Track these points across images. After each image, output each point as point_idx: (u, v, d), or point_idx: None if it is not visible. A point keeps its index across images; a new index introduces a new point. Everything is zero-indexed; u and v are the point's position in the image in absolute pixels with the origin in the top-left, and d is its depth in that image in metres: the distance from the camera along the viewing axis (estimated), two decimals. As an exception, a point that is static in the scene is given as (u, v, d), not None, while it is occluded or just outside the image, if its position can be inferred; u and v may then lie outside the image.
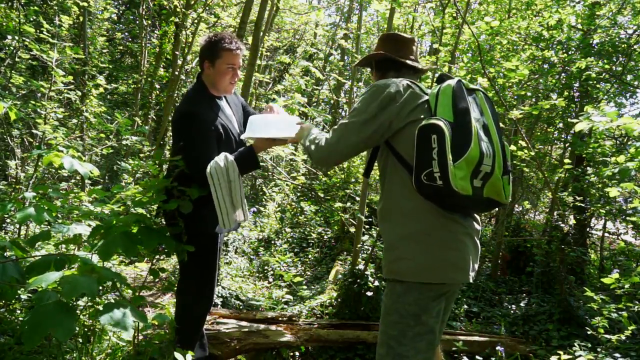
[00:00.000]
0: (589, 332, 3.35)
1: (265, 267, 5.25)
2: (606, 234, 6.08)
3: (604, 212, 4.88)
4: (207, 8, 7.02)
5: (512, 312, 4.40)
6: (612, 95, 5.75)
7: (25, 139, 6.80)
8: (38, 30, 5.23)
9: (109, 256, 1.87)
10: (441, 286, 1.71)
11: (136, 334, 2.40)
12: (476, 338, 3.47)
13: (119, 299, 1.79)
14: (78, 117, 6.41)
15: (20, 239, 3.27)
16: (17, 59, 5.78)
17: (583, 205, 4.75)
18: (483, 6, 6.28)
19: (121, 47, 11.56)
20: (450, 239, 1.69)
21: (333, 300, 3.69)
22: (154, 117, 9.20)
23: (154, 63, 8.83)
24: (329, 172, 6.65)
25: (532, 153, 4.09)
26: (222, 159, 2.12)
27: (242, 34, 4.38)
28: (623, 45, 5.11)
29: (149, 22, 9.06)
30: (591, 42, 5.20)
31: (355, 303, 3.49)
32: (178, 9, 6.21)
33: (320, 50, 11.88)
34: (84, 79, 7.24)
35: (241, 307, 3.85)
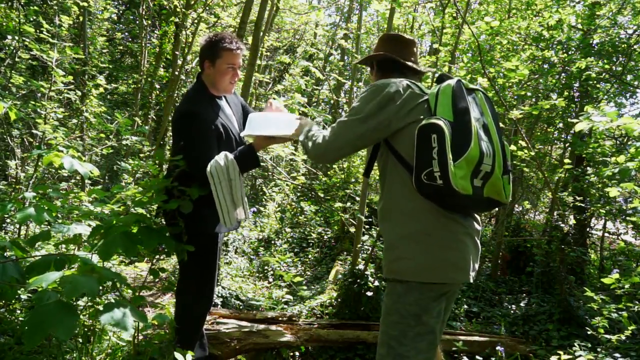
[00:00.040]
0: (589, 332, 3.35)
1: (265, 267, 5.25)
2: (606, 234, 6.09)
3: (604, 212, 4.88)
4: (207, 8, 7.02)
5: (512, 312, 4.40)
6: (612, 95, 5.75)
7: (25, 139, 6.80)
8: (38, 30, 5.23)
9: (109, 256, 1.86)
10: (442, 286, 1.71)
11: (136, 334, 2.40)
12: (476, 338, 3.47)
13: (119, 299, 1.79)
14: (78, 117, 6.41)
15: (20, 239, 3.27)
16: (17, 59, 5.78)
17: (583, 205, 4.75)
18: (483, 6, 6.28)
19: (121, 47, 11.56)
20: (450, 238, 1.69)
21: (333, 300, 3.69)
22: (154, 117, 9.20)
23: (154, 63, 8.83)
24: (329, 172, 6.65)
25: (532, 153, 4.09)
26: (222, 157, 2.13)
27: (242, 34, 4.38)
28: (623, 45, 5.11)
29: (149, 22, 9.06)
30: (591, 42, 5.20)
31: (355, 303, 3.49)
32: (178, 9, 6.21)
33: (320, 50, 11.88)
34: (84, 79, 7.24)
35: (241, 307, 3.85)
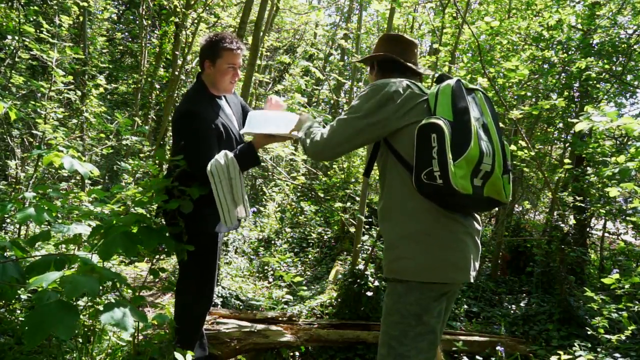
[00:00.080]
0: (589, 332, 3.35)
1: (265, 267, 5.25)
2: (606, 234, 6.09)
3: (604, 212, 4.88)
4: (207, 8, 7.02)
5: (512, 312, 4.40)
6: (612, 95, 5.75)
7: (25, 139, 6.80)
8: (38, 30, 5.23)
9: (109, 256, 1.86)
10: (442, 286, 1.71)
11: (136, 334, 2.40)
12: (476, 338, 3.47)
13: (119, 299, 1.79)
14: (78, 117, 6.41)
15: (20, 239, 3.27)
16: (17, 59, 5.79)
17: (583, 205, 4.75)
18: (483, 6, 6.28)
19: (121, 47, 11.56)
20: (450, 238, 1.69)
21: (333, 300, 3.69)
22: (154, 117, 9.21)
23: (154, 63, 8.84)
24: (329, 172, 6.65)
25: (532, 153, 4.09)
26: (222, 156, 2.13)
27: (242, 34, 4.38)
28: (623, 45, 5.11)
29: (149, 22, 9.06)
30: (591, 42, 5.20)
31: (355, 303, 3.48)
32: (178, 9, 6.21)
33: (320, 50, 11.88)
34: (84, 79, 7.24)
35: (241, 307, 3.85)
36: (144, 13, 8.24)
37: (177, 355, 2.11)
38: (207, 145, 2.17)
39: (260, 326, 3.09)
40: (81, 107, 6.12)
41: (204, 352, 2.58)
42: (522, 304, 4.63)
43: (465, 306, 4.44)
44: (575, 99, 5.64)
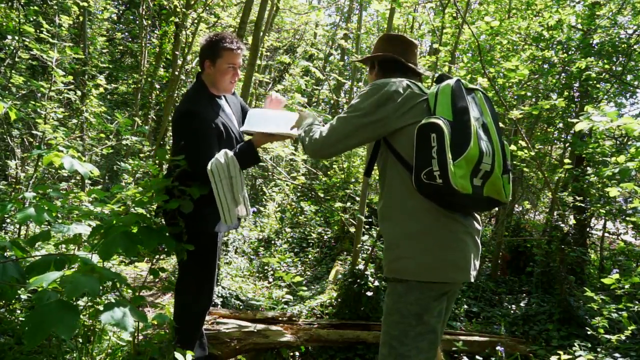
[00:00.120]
0: (589, 332, 3.35)
1: (265, 267, 5.25)
2: (606, 234, 6.09)
3: (604, 212, 4.88)
4: (207, 8, 7.02)
5: (512, 312, 4.40)
6: (612, 95, 5.75)
7: (25, 139, 6.80)
8: (38, 30, 5.23)
9: (109, 256, 1.86)
10: (442, 285, 1.71)
11: (136, 334, 2.40)
12: (476, 338, 3.47)
13: (119, 299, 1.79)
14: (78, 117, 6.41)
15: (20, 239, 3.27)
16: (17, 59, 5.79)
17: (583, 205, 4.75)
18: (483, 6, 6.28)
19: (121, 47, 11.56)
20: (450, 238, 1.69)
21: (333, 300, 3.69)
22: (154, 117, 9.21)
23: (154, 63, 8.84)
24: (329, 172, 6.65)
25: (532, 153, 4.10)
26: (223, 155, 2.13)
27: (242, 34, 4.38)
28: (623, 45, 5.11)
29: (149, 22, 9.06)
30: (591, 42, 5.20)
31: (355, 303, 3.48)
32: (178, 9, 6.21)
33: (320, 50, 11.88)
34: (84, 79, 7.24)
35: (241, 307, 3.85)
36: (144, 13, 8.24)
37: (177, 355, 2.11)
38: (207, 145, 2.17)
39: (260, 326, 3.09)
40: (81, 107, 6.12)
41: (203, 352, 2.58)
42: (522, 304, 4.62)
43: (465, 306, 4.44)
44: (575, 99, 5.64)
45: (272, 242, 6.33)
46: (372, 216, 5.62)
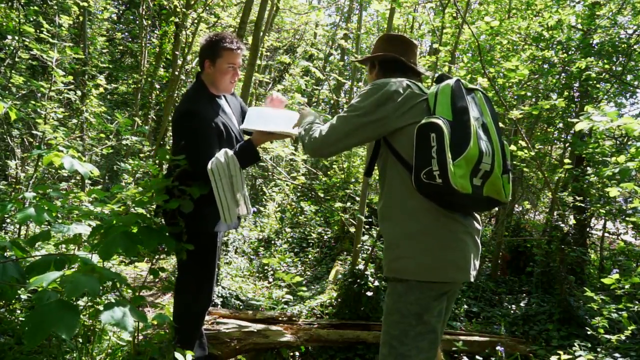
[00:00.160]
0: (589, 332, 3.35)
1: (265, 267, 5.25)
2: (606, 234, 6.08)
3: (604, 212, 4.88)
4: (207, 8, 7.02)
5: (512, 312, 4.40)
6: (612, 95, 5.75)
7: (25, 139, 6.80)
8: (38, 30, 5.23)
9: (109, 256, 1.86)
10: (442, 285, 1.71)
11: (136, 334, 2.40)
12: (476, 338, 3.47)
13: (119, 299, 1.79)
14: (78, 117, 6.41)
15: (20, 239, 3.27)
16: (17, 59, 5.79)
17: (583, 205, 4.75)
18: (483, 6, 6.28)
19: (121, 47, 11.56)
20: (450, 238, 1.69)
21: (333, 300, 3.69)
22: (154, 117, 9.21)
23: (154, 63, 8.84)
24: (329, 172, 6.65)
25: (532, 153, 4.09)
26: (223, 154, 2.13)
27: (242, 34, 4.38)
28: (623, 45, 5.11)
29: (149, 22, 9.07)
30: (591, 42, 5.20)
31: (355, 303, 3.48)
32: (178, 9, 6.21)
33: (320, 50, 11.88)
34: (84, 79, 7.24)
35: (241, 307, 3.85)
36: (144, 13, 8.24)
37: (177, 355, 2.11)
38: (207, 144, 2.17)
39: (260, 326, 3.09)
40: (81, 107, 6.12)
41: (203, 351, 2.58)
42: (522, 304, 4.62)
43: (465, 306, 4.44)
44: (575, 99, 5.64)
45: (272, 242, 6.33)
46: (372, 216, 5.62)
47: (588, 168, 5.04)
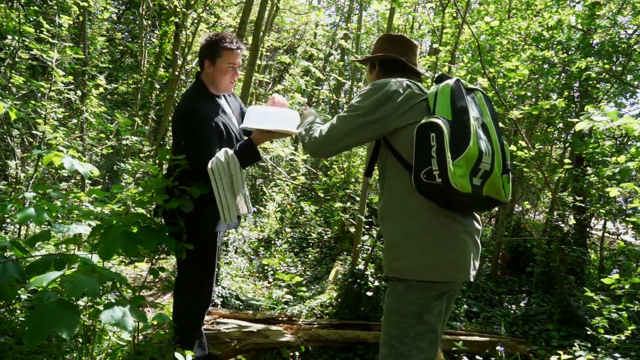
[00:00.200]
0: (589, 332, 3.35)
1: (265, 267, 5.25)
2: (606, 234, 6.09)
3: (604, 212, 4.88)
4: (207, 8, 7.02)
5: (512, 312, 4.40)
6: (612, 95, 5.75)
7: (25, 139, 6.80)
8: (38, 30, 5.23)
9: (109, 256, 1.86)
10: (442, 285, 1.71)
11: (136, 334, 2.41)
12: (476, 338, 3.47)
13: (119, 299, 1.79)
14: (78, 117, 6.41)
15: (20, 239, 3.27)
16: (17, 59, 5.79)
17: (583, 205, 4.75)
18: (483, 6, 6.28)
19: (121, 47, 11.56)
20: (450, 237, 1.69)
21: (333, 300, 3.69)
22: (154, 117, 9.21)
23: (154, 63, 8.84)
24: (329, 172, 6.65)
25: (532, 153, 4.09)
26: (223, 153, 2.13)
27: (242, 34, 4.38)
28: (623, 45, 5.11)
29: (149, 22, 9.07)
30: (591, 42, 5.20)
31: (355, 303, 3.48)
32: (178, 9, 6.21)
33: (320, 50, 11.88)
34: (84, 79, 7.24)
35: (241, 307, 3.85)
36: (144, 13, 8.24)
37: (177, 355, 2.11)
38: (207, 144, 2.17)
39: (260, 326, 3.09)
40: (81, 107, 6.12)
41: (203, 351, 2.58)
42: (522, 304, 4.62)
43: (465, 306, 4.44)
44: (575, 99, 5.64)
45: (272, 242, 6.33)
46: (372, 216, 5.62)
47: (588, 168, 5.04)
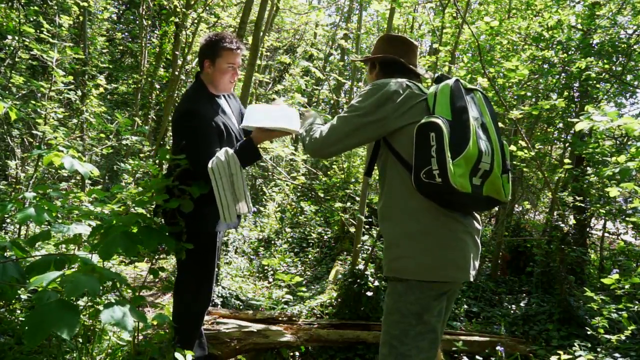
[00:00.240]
0: (589, 332, 3.35)
1: (265, 267, 5.25)
2: (606, 234, 6.08)
3: (604, 212, 4.88)
4: (207, 8, 7.02)
5: (512, 312, 4.40)
6: (612, 95, 5.75)
7: (25, 139, 6.80)
8: (38, 30, 5.23)
9: (109, 256, 1.86)
10: (442, 285, 1.71)
11: (136, 334, 2.41)
12: (476, 338, 3.47)
13: (119, 299, 1.79)
14: (78, 117, 6.41)
15: (20, 239, 3.27)
16: (17, 59, 5.79)
17: (583, 205, 4.75)
18: (483, 6, 6.28)
19: (121, 47, 11.56)
20: (450, 237, 1.70)
21: (333, 300, 3.69)
22: (154, 117, 9.21)
23: (154, 63, 8.84)
24: (329, 172, 6.65)
25: (532, 153, 4.09)
26: (223, 153, 2.13)
27: (242, 34, 4.38)
28: (623, 45, 5.11)
29: (149, 22, 9.07)
30: (591, 42, 5.20)
31: (355, 303, 3.48)
32: (178, 9, 6.21)
33: (320, 50, 11.88)
34: (84, 79, 7.24)
35: (241, 307, 3.85)
36: (144, 13, 8.24)
37: (177, 355, 2.11)
38: (207, 143, 2.17)
39: (260, 326, 3.09)
40: (81, 107, 6.12)
41: (203, 351, 2.58)
42: (522, 304, 4.62)
43: (465, 306, 4.44)
44: (575, 99, 5.64)
45: (272, 242, 6.33)
46: (372, 216, 5.62)
47: (588, 168, 5.04)
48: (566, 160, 4.42)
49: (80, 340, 2.47)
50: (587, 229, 5.60)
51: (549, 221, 5.35)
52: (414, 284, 1.70)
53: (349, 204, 5.66)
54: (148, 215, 2.22)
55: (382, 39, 2.04)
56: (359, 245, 3.92)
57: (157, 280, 4.21)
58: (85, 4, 6.65)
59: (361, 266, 3.64)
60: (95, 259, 1.98)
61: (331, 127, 1.82)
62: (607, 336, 3.00)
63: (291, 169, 8.76)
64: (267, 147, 5.58)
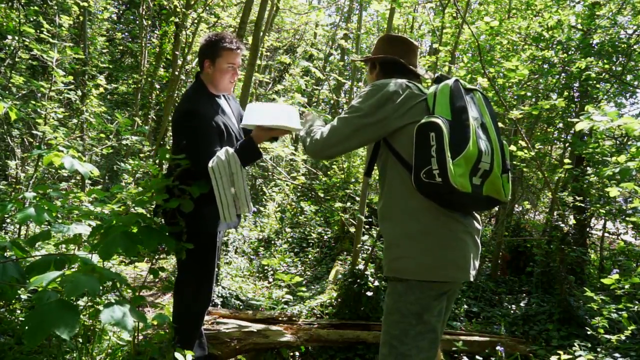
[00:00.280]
0: (589, 332, 3.35)
1: (265, 267, 5.25)
2: (606, 234, 6.09)
3: (604, 212, 4.88)
4: (207, 8, 7.02)
5: (512, 312, 4.40)
6: (612, 95, 5.76)
7: (25, 139, 6.80)
8: (38, 30, 5.23)
9: (109, 256, 1.86)
10: (442, 285, 1.71)
11: (136, 334, 2.41)
12: (476, 338, 3.47)
13: (119, 299, 1.79)
14: (78, 117, 6.41)
15: (20, 239, 3.27)
16: (17, 59, 5.79)
17: (583, 205, 4.75)
18: (483, 6, 6.29)
19: (121, 47, 11.56)
20: (450, 237, 1.70)
21: (333, 300, 3.69)
22: (154, 117, 9.21)
23: (154, 63, 8.84)
24: (329, 172, 6.65)
25: (532, 153, 4.09)
26: (223, 152, 2.13)
27: (242, 34, 4.38)
28: (623, 45, 5.11)
29: (149, 22, 9.07)
30: (591, 42, 5.20)
31: (355, 303, 3.48)
32: (178, 9, 6.21)
33: (320, 50, 11.88)
34: (84, 79, 7.24)
35: (241, 307, 3.86)
36: (144, 13, 8.24)
37: (177, 355, 2.11)
38: (207, 143, 2.17)
39: (260, 326, 3.09)
40: (81, 107, 6.12)
41: (203, 351, 2.58)
42: (522, 304, 4.62)
43: (465, 306, 4.44)
44: (575, 99, 5.64)
45: (272, 242, 6.33)
46: (372, 216, 5.62)
47: (588, 168, 5.04)
48: (566, 160, 4.42)
49: (80, 340, 2.47)
50: (587, 229, 5.60)
51: (549, 221, 5.35)
52: (414, 284, 1.70)
53: (349, 204, 5.66)
54: (148, 215, 2.22)
55: (382, 39, 2.04)
56: (359, 245, 3.92)
57: (157, 280, 4.22)
58: (85, 4, 6.64)
59: (361, 266, 3.64)
60: (95, 259, 1.98)
61: (332, 129, 1.82)
62: (607, 336, 3.00)
63: (291, 169, 8.76)
64: (267, 147, 5.58)
